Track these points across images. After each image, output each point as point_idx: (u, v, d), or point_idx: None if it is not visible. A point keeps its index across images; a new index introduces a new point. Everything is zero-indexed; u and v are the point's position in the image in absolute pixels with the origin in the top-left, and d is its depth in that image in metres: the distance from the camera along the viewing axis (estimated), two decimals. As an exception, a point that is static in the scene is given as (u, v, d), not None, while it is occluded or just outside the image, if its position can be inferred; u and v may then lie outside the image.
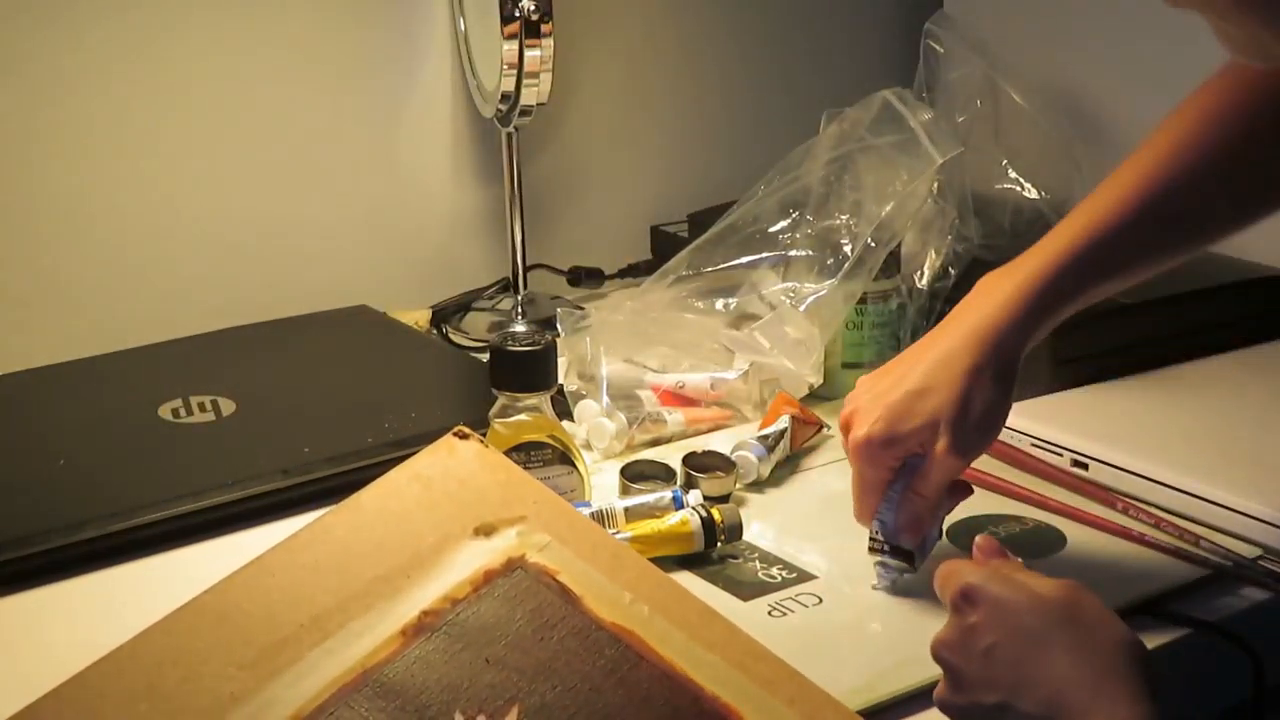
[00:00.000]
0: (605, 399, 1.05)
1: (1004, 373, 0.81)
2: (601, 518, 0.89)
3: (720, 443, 1.02)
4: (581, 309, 1.15)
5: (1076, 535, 0.91)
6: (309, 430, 1.01)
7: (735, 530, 0.89)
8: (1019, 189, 1.22)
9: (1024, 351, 0.83)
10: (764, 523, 0.94)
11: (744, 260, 1.13)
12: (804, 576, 0.87)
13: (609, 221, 1.45)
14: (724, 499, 0.96)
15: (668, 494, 0.91)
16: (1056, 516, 0.94)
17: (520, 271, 1.32)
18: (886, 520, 0.84)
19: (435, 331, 1.29)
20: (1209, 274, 1.14)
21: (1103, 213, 0.84)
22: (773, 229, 1.13)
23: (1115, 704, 0.59)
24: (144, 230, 1.23)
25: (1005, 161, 1.22)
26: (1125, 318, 1.09)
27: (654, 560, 0.80)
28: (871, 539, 0.85)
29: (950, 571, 0.70)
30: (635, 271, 1.39)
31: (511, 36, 1.19)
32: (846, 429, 0.84)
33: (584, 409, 1.05)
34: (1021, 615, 0.63)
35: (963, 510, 0.94)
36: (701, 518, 0.88)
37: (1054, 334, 0.87)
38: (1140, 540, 0.90)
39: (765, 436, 1.00)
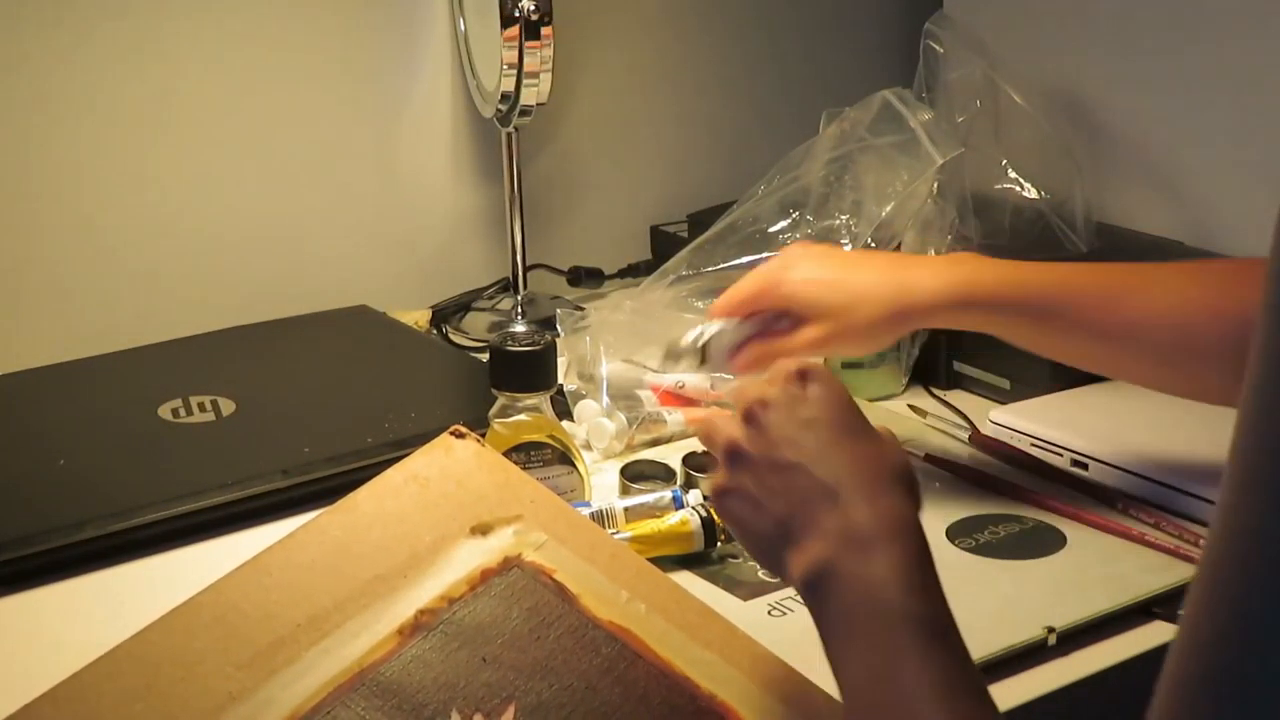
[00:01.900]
0: (605, 399, 1.05)
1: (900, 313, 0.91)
2: (601, 518, 0.89)
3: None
4: (581, 309, 1.15)
5: (1076, 535, 0.91)
6: (309, 430, 1.01)
7: None
8: (1019, 189, 1.21)
9: (923, 322, 0.93)
10: (763, 522, 0.94)
11: (744, 260, 1.13)
12: (803, 576, 0.87)
13: (609, 221, 1.45)
14: (723, 499, 0.96)
15: (668, 494, 0.91)
16: (1056, 516, 0.93)
17: (520, 271, 1.32)
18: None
19: (435, 331, 1.29)
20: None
21: (1084, 271, 0.90)
22: (773, 229, 1.13)
23: (893, 501, 0.64)
24: (144, 230, 1.23)
25: (1005, 161, 1.22)
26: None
27: (654, 560, 0.80)
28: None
29: (789, 361, 0.72)
30: (635, 271, 1.39)
31: (511, 37, 1.19)
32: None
33: (584, 409, 1.05)
34: (854, 412, 0.68)
35: (963, 510, 0.94)
36: (701, 517, 0.88)
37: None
38: (1140, 540, 0.90)
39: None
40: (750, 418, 0.68)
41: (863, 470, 0.64)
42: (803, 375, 0.68)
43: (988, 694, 0.59)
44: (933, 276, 0.90)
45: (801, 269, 0.93)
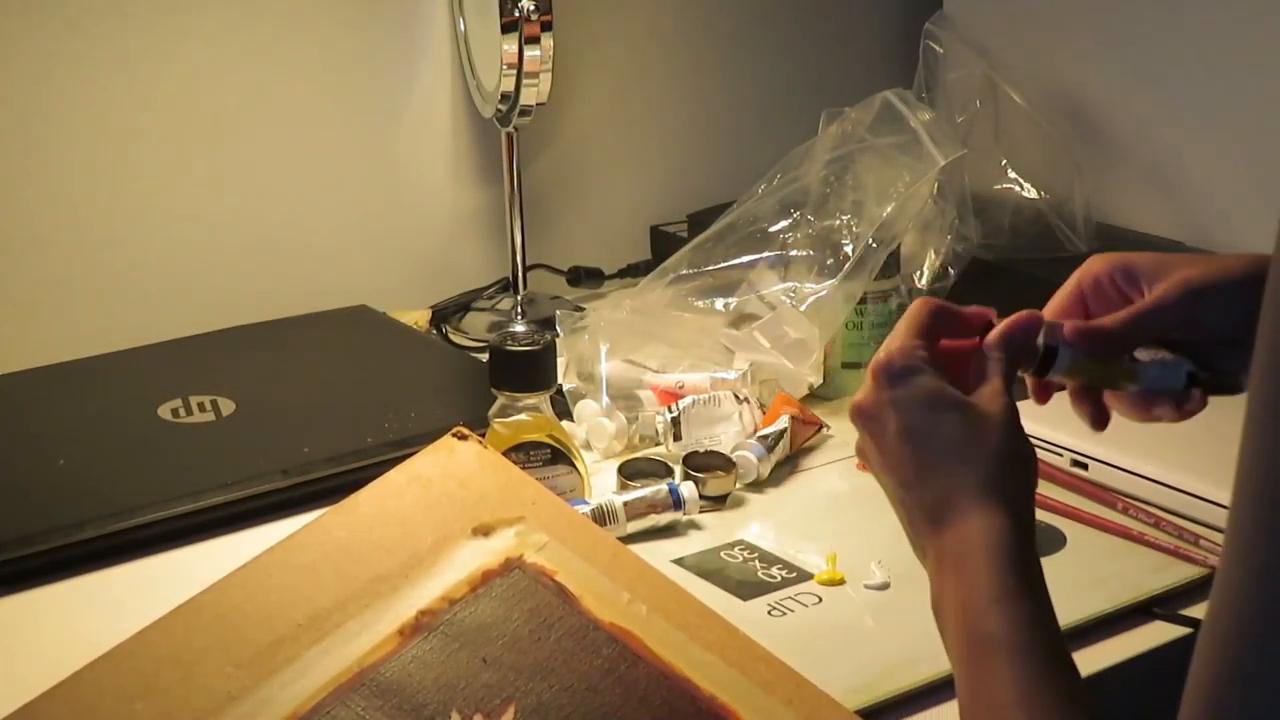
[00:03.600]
0: (605, 399, 1.05)
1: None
2: (601, 513, 0.89)
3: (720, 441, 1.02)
4: (581, 309, 1.15)
5: (1076, 535, 0.91)
6: (309, 430, 1.01)
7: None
8: (1019, 189, 1.22)
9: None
10: (764, 523, 0.94)
11: (744, 260, 1.13)
12: (804, 576, 0.87)
13: (609, 221, 1.45)
14: (723, 499, 0.96)
15: (664, 487, 0.91)
16: (1056, 516, 0.93)
17: (520, 271, 1.32)
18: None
19: (435, 331, 1.29)
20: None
21: None
22: (773, 229, 1.13)
23: (987, 509, 0.61)
24: (144, 230, 1.23)
25: (1005, 161, 1.22)
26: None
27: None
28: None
29: (881, 354, 0.66)
30: (635, 271, 1.38)
31: (511, 36, 1.19)
32: None
33: (584, 409, 1.05)
34: (933, 410, 0.63)
35: (962, 510, 0.94)
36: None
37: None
38: (1140, 540, 0.90)
39: (765, 436, 1.00)
40: (860, 422, 0.65)
41: (949, 486, 0.62)
42: (888, 374, 0.64)
43: (1074, 695, 0.59)
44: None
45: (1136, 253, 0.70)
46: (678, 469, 0.97)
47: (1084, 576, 0.86)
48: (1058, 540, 0.91)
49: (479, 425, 0.85)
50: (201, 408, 1.04)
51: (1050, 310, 0.70)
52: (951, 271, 1.16)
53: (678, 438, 1.01)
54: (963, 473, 0.62)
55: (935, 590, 0.63)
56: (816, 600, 0.84)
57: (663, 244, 1.39)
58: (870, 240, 1.08)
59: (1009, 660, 0.59)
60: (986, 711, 0.59)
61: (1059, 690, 0.59)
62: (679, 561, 0.88)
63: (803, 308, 1.09)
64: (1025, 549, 0.62)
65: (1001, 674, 0.58)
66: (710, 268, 1.13)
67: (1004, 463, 0.62)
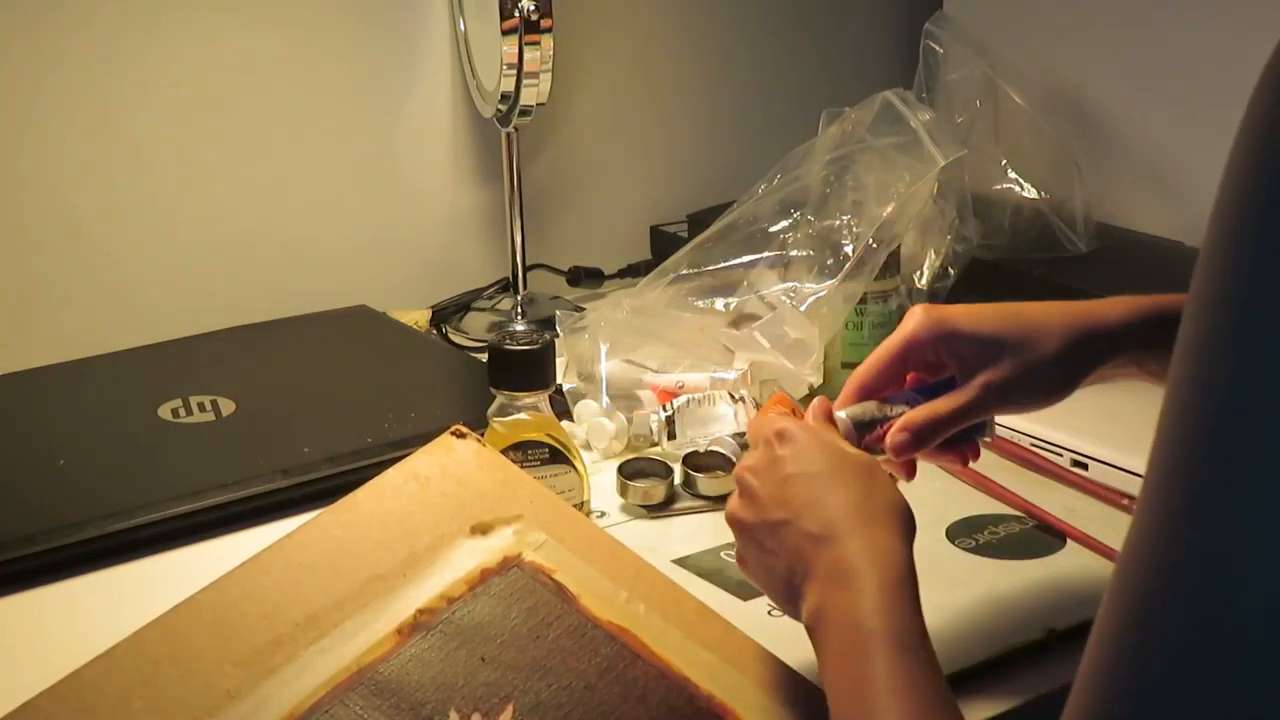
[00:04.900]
0: (605, 399, 1.05)
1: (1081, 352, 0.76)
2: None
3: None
4: (581, 309, 1.15)
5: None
6: (309, 430, 1.01)
7: None
8: (1019, 189, 1.22)
9: (1116, 351, 0.77)
10: (763, 522, 0.94)
11: (744, 260, 1.13)
12: (802, 576, 0.87)
13: (609, 221, 1.45)
14: (722, 499, 0.96)
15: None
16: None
17: (520, 271, 1.32)
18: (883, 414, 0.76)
19: (435, 331, 1.29)
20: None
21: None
22: (773, 229, 1.13)
23: (877, 533, 0.66)
24: (144, 230, 1.23)
25: (1005, 161, 1.22)
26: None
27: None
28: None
29: (771, 417, 0.74)
30: (635, 271, 1.39)
31: (511, 36, 1.19)
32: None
33: (583, 409, 1.05)
34: (822, 460, 0.70)
35: (963, 510, 0.94)
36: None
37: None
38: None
39: (741, 435, 0.99)
40: (742, 488, 0.72)
41: (848, 511, 0.67)
42: (780, 435, 0.71)
43: (954, 703, 0.61)
44: (1113, 302, 0.77)
45: (953, 307, 0.77)
46: (677, 468, 0.97)
47: (1084, 576, 0.86)
48: (1058, 540, 0.91)
49: (479, 425, 0.85)
50: (201, 408, 1.04)
51: (869, 366, 0.77)
52: (951, 271, 1.16)
53: (672, 436, 1.01)
54: (848, 501, 0.67)
55: (813, 605, 0.66)
56: (816, 600, 0.84)
57: (663, 244, 1.39)
58: (870, 240, 1.08)
59: (890, 654, 0.61)
60: (862, 702, 0.61)
61: (939, 685, 0.61)
62: (679, 561, 0.88)
63: (803, 308, 1.09)
64: (910, 578, 0.65)
65: (882, 666, 0.61)
66: (710, 268, 1.13)
67: (893, 507, 0.68)
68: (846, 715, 0.61)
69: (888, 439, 0.74)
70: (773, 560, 0.69)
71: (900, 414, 0.75)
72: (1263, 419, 0.43)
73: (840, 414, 0.75)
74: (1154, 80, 1.28)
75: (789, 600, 0.69)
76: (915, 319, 0.76)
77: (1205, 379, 0.44)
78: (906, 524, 0.68)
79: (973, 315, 0.76)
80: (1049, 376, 0.75)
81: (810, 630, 0.66)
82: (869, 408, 0.76)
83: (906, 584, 0.64)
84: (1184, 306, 0.46)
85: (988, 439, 0.80)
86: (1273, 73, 0.46)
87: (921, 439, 0.74)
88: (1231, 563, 0.43)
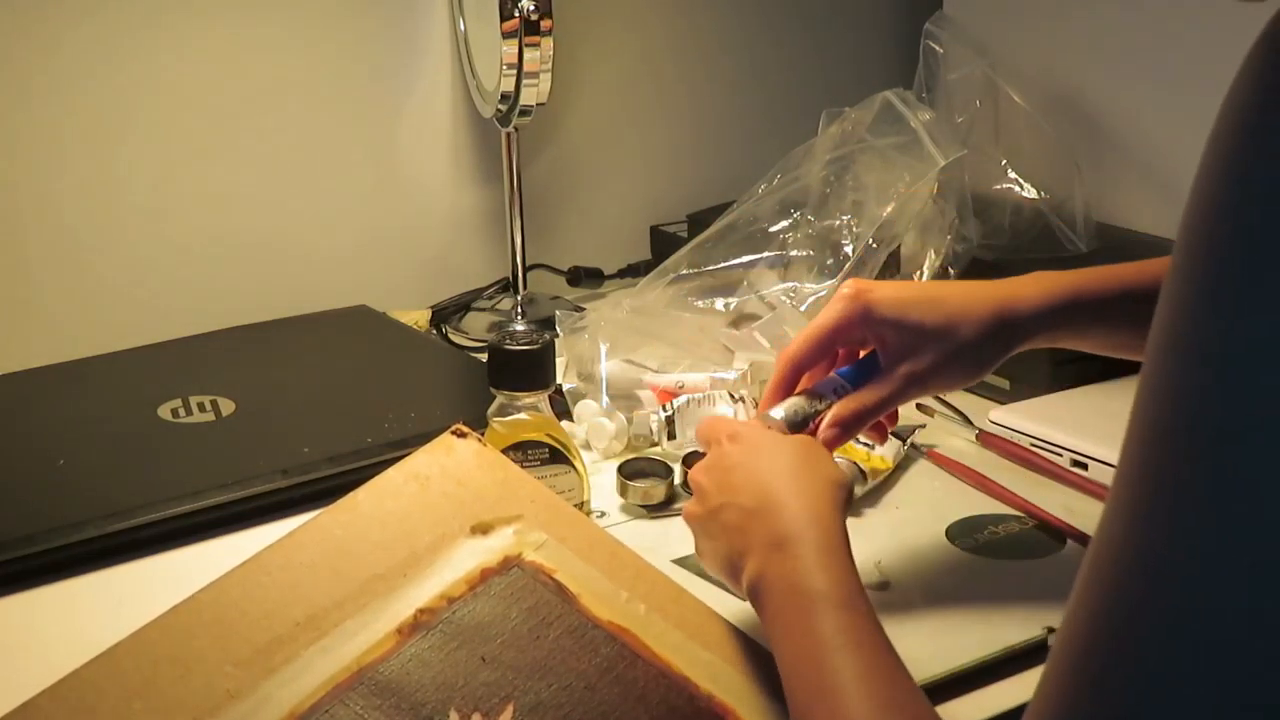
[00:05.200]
0: (605, 399, 1.05)
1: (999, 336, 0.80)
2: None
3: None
4: (581, 309, 1.15)
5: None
6: (309, 430, 1.01)
7: None
8: (1018, 189, 1.22)
9: (1031, 334, 0.81)
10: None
11: (744, 260, 1.13)
12: (802, 576, 0.86)
13: (609, 221, 1.45)
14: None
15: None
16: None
17: (520, 271, 1.32)
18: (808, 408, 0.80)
19: (435, 331, 1.29)
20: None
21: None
22: (773, 229, 1.13)
23: (812, 501, 0.69)
24: (144, 231, 1.23)
25: (1005, 161, 1.22)
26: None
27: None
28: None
29: (721, 420, 0.79)
30: (635, 271, 1.39)
31: (511, 36, 1.19)
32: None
33: (583, 409, 1.05)
34: (764, 449, 0.73)
35: (963, 510, 0.94)
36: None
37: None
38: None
39: None
40: (694, 488, 0.75)
41: (782, 483, 0.70)
42: (731, 436, 0.75)
43: (897, 656, 0.63)
44: (1031, 283, 0.81)
45: (881, 289, 0.80)
46: (676, 468, 0.97)
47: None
48: (1058, 540, 0.91)
49: (479, 425, 0.85)
50: (201, 408, 1.04)
51: (798, 347, 0.81)
52: (951, 271, 1.15)
53: (672, 436, 1.01)
54: (782, 474, 0.70)
55: (753, 573, 0.68)
56: (816, 600, 0.84)
57: (663, 244, 1.39)
58: (870, 240, 1.08)
59: (836, 612, 0.64)
60: (811, 661, 0.63)
61: (883, 638, 0.64)
62: (679, 561, 0.88)
63: (803, 308, 1.09)
64: (842, 540, 0.68)
65: (829, 624, 0.63)
66: (710, 268, 1.13)
67: (824, 480, 0.71)
68: (798, 674, 0.63)
69: (819, 435, 0.78)
70: (717, 543, 0.72)
71: (829, 406, 0.79)
72: (1241, 416, 0.43)
73: (774, 414, 0.79)
74: (1154, 80, 1.28)
75: (733, 576, 0.71)
76: (843, 304, 0.80)
77: (1179, 379, 0.44)
78: (841, 493, 0.71)
79: (898, 302, 0.79)
80: (966, 362, 0.79)
81: (752, 597, 0.68)
82: (800, 405, 0.79)
83: (842, 547, 0.68)
84: (1157, 304, 0.46)
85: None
86: (1250, 64, 0.46)
87: (849, 431, 0.79)
88: (1207, 556, 0.43)
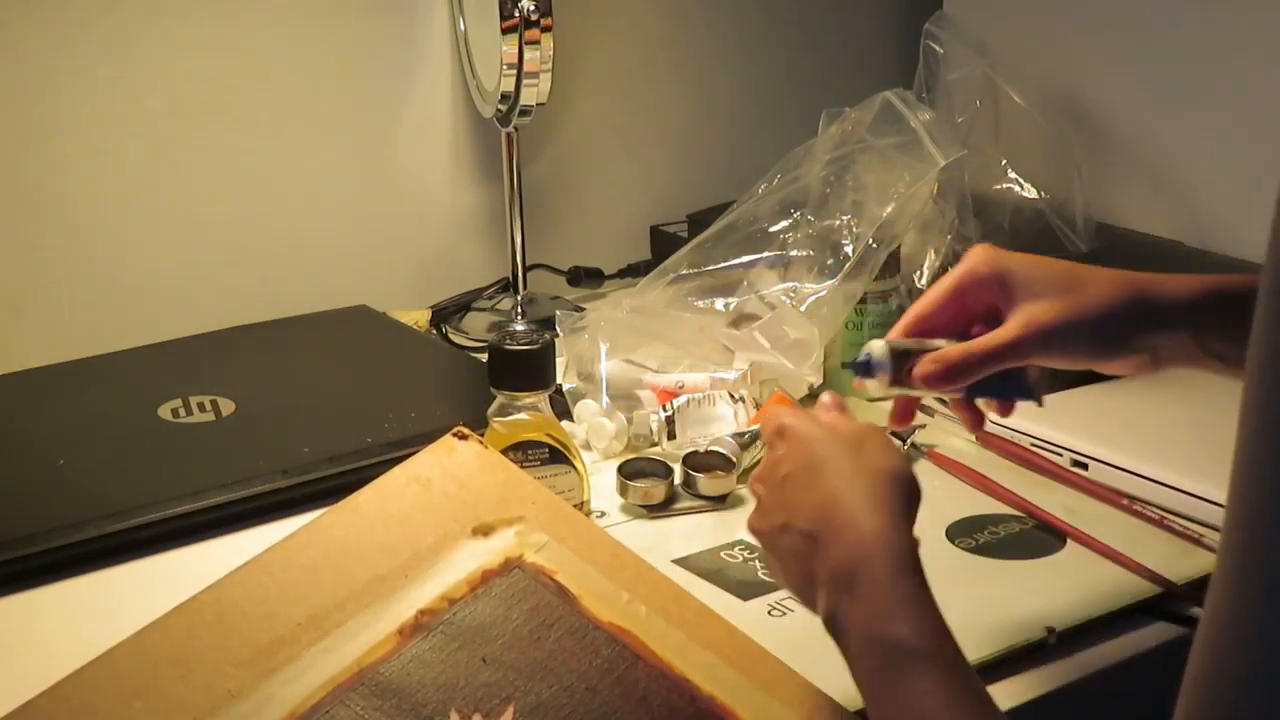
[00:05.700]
0: (605, 399, 1.05)
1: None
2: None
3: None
4: (581, 309, 1.15)
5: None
6: (309, 430, 1.01)
7: None
8: (1019, 189, 1.22)
9: (1171, 320, 0.74)
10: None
11: (744, 260, 1.13)
12: (803, 576, 0.87)
13: (609, 221, 1.45)
14: (722, 499, 0.96)
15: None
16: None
17: (520, 271, 1.32)
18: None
19: (435, 331, 1.29)
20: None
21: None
22: (773, 229, 1.13)
23: (864, 514, 0.64)
24: (143, 230, 1.23)
25: (1005, 161, 1.22)
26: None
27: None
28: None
29: (773, 412, 0.72)
30: (635, 271, 1.39)
31: (511, 36, 1.19)
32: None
33: (583, 409, 1.05)
34: (814, 445, 0.68)
35: (963, 510, 0.94)
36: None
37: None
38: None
39: (741, 435, 0.99)
40: (755, 497, 0.71)
41: (840, 496, 0.65)
42: (779, 433, 0.70)
43: (982, 693, 0.61)
44: (1172, 275, 0.75)
45: (1013, 253, 0.75)
46: (677, 468, 0.97)
47: (1084, 576, 0.86)
48: (1058, 540, 0.91)
49: (479, 425, 0.85)
50: (201, 408, 1.04)
51: (927, 301, 0.75)
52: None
53: (672, 436, 1.01)
54: (848, 491, 0.65)
55: (826, 611, 0.64)
56: (816, 600, 0.84)
57: (663, 244, 1.39)
58: (870, 240, 1.08)
59: (924, 668, 0.59)
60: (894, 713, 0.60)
61: (975, 691, 0.60)
62: (679, 561, 0.88)
63: (803, 308, 1.09)
64: (913, 557, 0.64)
65: (918, 683, 0.59)
66: (710, 268, 1.13)
67: (883, 478, 0.66)
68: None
69: (916, 369, 0.72)
70: (786, 566, 0.69)
71: (938, 348, 0.73)
72: None
73: (879, 341, 0.74)
74: (1154, 80, 1.28)
75: (807, 604, 0.68)
76: (974, 255, 0.74)
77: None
78: (902, 489, 0.66)
79: (1028, 259, 0.74)
80: (1097, 329, 0.72)
81: (829, 631, 0.65)
82: (910, 341, 0.74)
83: (914, 569, 0.63)
84: (1252, 352, 0.44)
85: (1037, 403, 0.77)
86: None
87: (952, 373, 0.72)
88: None
